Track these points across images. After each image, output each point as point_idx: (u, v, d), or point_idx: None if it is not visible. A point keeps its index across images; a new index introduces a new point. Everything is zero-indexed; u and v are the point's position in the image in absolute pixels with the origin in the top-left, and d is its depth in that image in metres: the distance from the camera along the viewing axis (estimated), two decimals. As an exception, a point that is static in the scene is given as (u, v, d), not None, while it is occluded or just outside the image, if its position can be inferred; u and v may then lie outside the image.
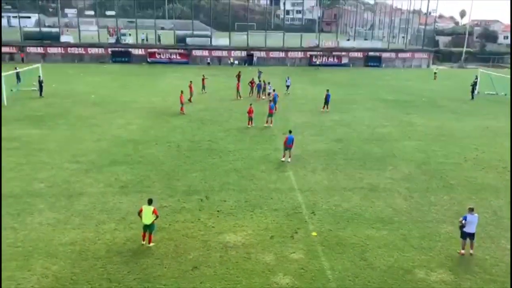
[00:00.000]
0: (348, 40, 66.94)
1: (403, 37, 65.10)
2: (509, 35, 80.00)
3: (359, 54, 56.19)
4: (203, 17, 77.91)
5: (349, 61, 55.53)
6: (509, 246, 12.18)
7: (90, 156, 19.24)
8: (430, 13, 64.96)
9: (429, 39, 61.39)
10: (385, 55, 56.89)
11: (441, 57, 67.05)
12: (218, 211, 14.16)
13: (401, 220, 13.91)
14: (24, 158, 18.66)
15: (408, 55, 57.91)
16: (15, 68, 34.60)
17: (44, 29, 56.28)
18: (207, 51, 53.95)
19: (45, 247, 11.77)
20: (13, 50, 50.73)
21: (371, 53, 56.48)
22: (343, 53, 55.75)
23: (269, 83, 32.97)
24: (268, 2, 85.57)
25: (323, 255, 11.79)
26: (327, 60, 55.18)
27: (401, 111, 29.79)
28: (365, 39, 70.03)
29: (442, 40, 79.25)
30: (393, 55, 57.31)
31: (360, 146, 21.47)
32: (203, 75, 35.09)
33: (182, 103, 27.34)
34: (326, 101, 28.92)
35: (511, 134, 23.36)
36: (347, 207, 14.67)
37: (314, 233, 12.86)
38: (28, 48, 51.10)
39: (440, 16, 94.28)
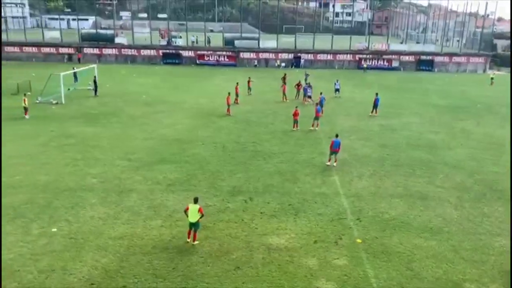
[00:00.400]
0: (401, 43, 65.12)
1: (458, 40, 62.60)
2: None
3: (411, 58, 54.51)
4: (251, 20, 78.80)
5: (400, 64, 54.07)
6: None
7: (140, 154, 19.89)
8: (488, 15, 62.08)
9: (486, 42, 58.62)
10: (438, 59, 54.85)
11: (499, 61, 63.75)
12: (261, 212, 14.21)
13: (451, 230, 13.36)
14: (79, 154, 19.60)
15: (462, 59, 55.47)
16: (73, 68, 36.43)
17: (100, 31, 58.82)
18: (254, 54, 54.34)
19: (96, 240, 12.29)
20: (71, 51, 53.37)
21: (423, 57, 54.63)
22: (394, 57, 54.35)
23: (309, 86, 32.72)
24: (317, 4, 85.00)
25: (367, 262, 11.53)
26: (377, 63, 54.04)
27: (454, 117, 28.62)
28: (417, 42, 67.95)
29: (501, 43, 75.22)
30: (446, 59, 55.13)
31: (409, 152, 20.83)
32: (249, 77, 35.41)
33: (228, 105, 27.72)
34: (375, 105, 28.31)
35: (511, 138, 22.05)
36: (394, 215, 14.27)
37: (359, 240, 12.61)
38: (85, 49, 53.56)
39: (499, 19, 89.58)
